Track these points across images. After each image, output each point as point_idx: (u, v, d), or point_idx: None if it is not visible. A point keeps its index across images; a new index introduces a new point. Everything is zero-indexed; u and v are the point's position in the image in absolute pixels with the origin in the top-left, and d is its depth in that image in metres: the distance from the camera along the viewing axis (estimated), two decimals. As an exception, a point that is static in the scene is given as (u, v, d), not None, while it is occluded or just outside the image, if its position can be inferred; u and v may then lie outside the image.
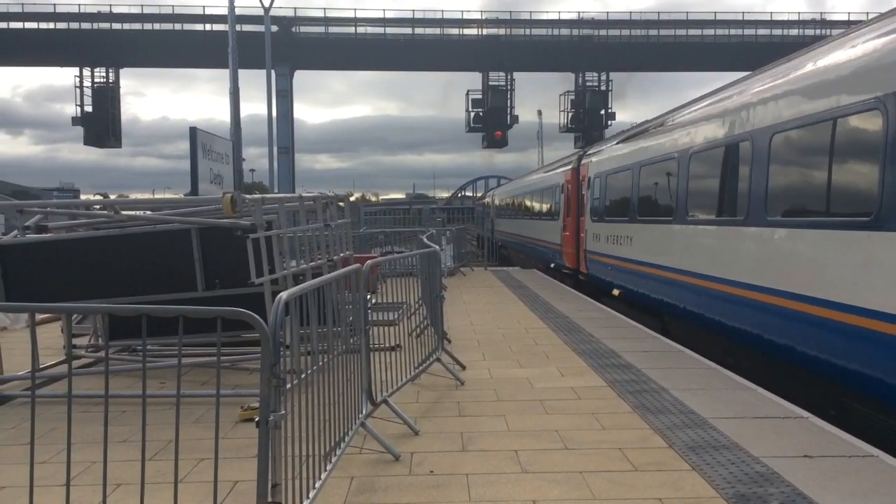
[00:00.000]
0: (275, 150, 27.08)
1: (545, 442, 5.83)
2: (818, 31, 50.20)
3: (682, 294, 11.25)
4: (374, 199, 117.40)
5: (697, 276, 10.60)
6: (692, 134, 11.34)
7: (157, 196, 49.84)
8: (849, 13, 52.97)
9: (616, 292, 15.17)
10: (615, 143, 17.35)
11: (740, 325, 9.19)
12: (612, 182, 16.09)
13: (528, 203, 28.76)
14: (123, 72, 55.55)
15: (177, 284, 8.14)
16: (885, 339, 6.41)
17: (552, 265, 22.22)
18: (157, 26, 52.10)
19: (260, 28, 36.63)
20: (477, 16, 60.10)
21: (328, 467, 4.56)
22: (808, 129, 7.92)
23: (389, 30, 54.44)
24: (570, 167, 20.92)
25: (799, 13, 54.29)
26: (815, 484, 4.80)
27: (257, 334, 3.51)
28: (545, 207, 24.64)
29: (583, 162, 19.60)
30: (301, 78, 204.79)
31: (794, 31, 53.42)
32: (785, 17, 55.63)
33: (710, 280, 10.11)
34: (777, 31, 53.98)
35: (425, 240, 11.74)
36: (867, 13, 51.00)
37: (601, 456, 5.47)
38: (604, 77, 56.82)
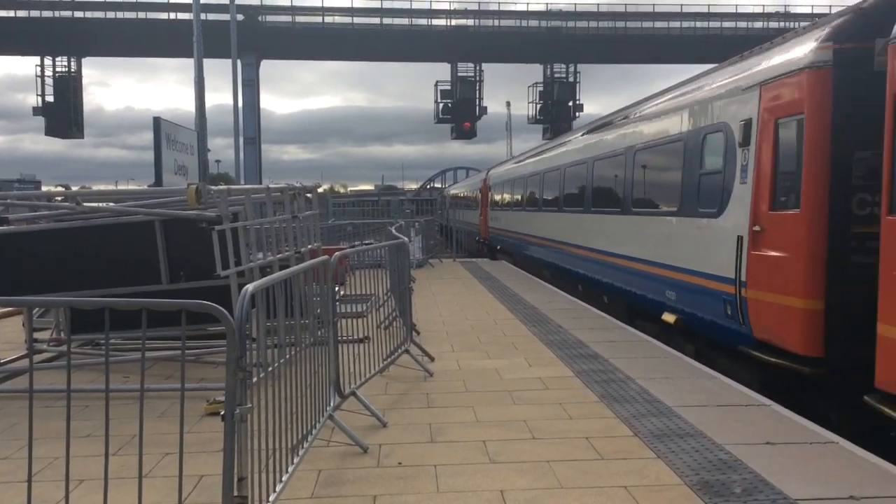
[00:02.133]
0: (241, 140, 26.79)
1: (513, 432, 5.87)
2: (782, 24, 50.76)
3: (519, 243, 23.69)
4: (342, 190, 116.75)
5: (522, 234, 22.78)
6: (520, 169, 24.40)
7: (121, 187, 49.03)
8: (812, 6, 53.36)
9: (498, 247, 28.24)
10: (501, 166, 31.60)
11: (534, 254, 20.92)
12: (495, 188, 30.19)
13: (465, 198, 42.12)
14: (87, 61, 54.52)
15: (141, 277, 8.03)
16: (577, 254, 15.56)
17: (477, 238, 34.18)
18: (120, 15, 51.08)
19: (225, 17, 36.11)
20: (445, 6, 59.78)
21: (295, 460, 4.55)
22: (577, 167, 16.08)
23: (357, 19, 54.01)
24: (483, 177, 34.82)
25: (763, 6, 54.60)
26: (777, 470, 4.89)
27: (223, 327, 3.48)
28: (473, 202, 37.51)
29: (488, 174, 33.52)
30: (269, 68, 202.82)
31: (758, 24, 53.98)
32: (750, 10, 56.20)
33: (526, 235, 22.01)
34: (742, 24, 54.55)
35: (394, 231, 11.72)
36: (830, 6, 51.71)
37: (568, 445, 5.52)
38: (572, 69, 57.03)
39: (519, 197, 23.75)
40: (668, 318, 10.12)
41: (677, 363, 8.33)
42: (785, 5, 54.69)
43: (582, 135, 16.75)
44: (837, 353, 6.89)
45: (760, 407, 6.47)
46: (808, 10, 54.22)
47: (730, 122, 8.74)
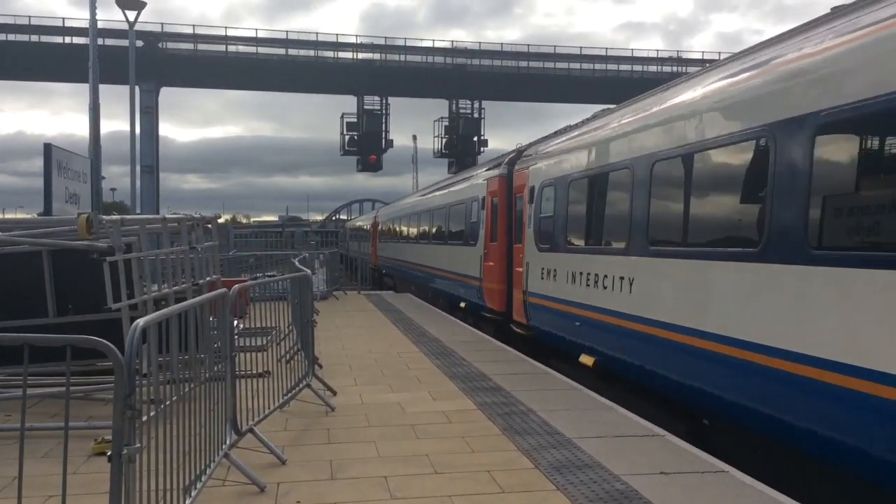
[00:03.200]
0: (138, 168, 25.89)
1: (415, 467, 5.83)
2: (675, 69, 53.34)
3: (395, 266, 31.17)
4: (245, 220, 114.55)
5: (396, 259, 30.84)
6: (394, 213, 34.46)
7: (8, 216, 46.57)
8: (703, 52, 56.54)
9: (384, 271, 35.44)
10: (384, 209, 40.40)
11: (404, 275, 28.76)
12: (383, 225, 37.80)
13: (362, 231, 47.63)
14: (-28, 83, 51.86)
15: (26, 310, 7.65)
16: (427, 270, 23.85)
17: (370, 265, 38.15)
18: (11, 37, 48.93)
19: (124, 42, 35.06)
20: (352, 40, 59.89)
21: (188, 501, 4.37)
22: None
23: (262, 50, 53.60)
24: (374, 216, 43.92)
25: (657, 51, 57.37)
26: (670, 500, 5.02)
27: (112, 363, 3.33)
28: (367, 235, 43.73)
29: (377, 214, 42.71)
30: (169, 95, 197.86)
31: (652, 68, 56.65)
32: (645, 55, 58.87)
33: (398, 260, 30.40)
34: (637, 67, 57.11)
35: (297, 263, 11.55)
36: (720, 52, 54.65)
37: (470, 479, 5.52)
38: (476, 105, 58.17)
39: (394, 232, 32.93)
40: (462, 304, 17.86)
41: (577, 395, 8.49)
42: (677, 51, 57.48)
43: (423, 194, 26.81)
44: (508, 308, 14.32)
45: (655, 437, 6.65)
46: (698, 56, 57.21)
47: (479, 196, 16.71)
